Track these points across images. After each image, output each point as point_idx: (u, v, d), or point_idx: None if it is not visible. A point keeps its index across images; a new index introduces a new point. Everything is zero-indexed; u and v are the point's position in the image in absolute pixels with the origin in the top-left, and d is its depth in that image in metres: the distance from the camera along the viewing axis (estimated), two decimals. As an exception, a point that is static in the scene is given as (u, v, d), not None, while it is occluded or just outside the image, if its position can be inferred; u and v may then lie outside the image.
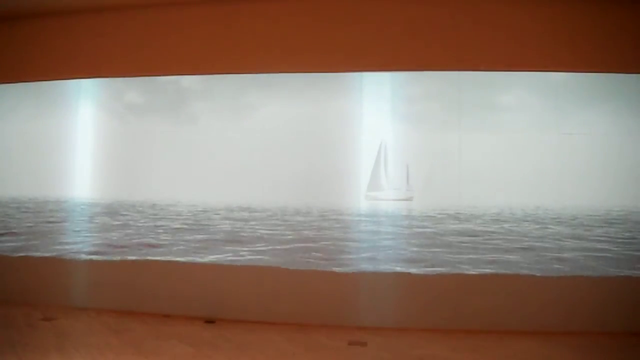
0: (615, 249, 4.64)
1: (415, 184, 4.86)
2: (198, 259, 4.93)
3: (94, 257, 5.18)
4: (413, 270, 4.64)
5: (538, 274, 4.53)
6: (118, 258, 5.10)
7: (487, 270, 4.58)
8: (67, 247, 5.31)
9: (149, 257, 5.04)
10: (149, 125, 5.27)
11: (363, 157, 4.89)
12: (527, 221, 4.80)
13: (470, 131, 4.74)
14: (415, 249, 4.77)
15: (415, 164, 4.86)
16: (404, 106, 4.90)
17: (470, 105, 4.78)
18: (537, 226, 4.76)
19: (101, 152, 5.36)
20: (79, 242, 5.32)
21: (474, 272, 4.57)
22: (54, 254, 5.26)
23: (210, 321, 4.68)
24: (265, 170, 4.97)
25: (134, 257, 5.07)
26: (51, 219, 5.52)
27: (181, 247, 5.06)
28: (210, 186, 5.10)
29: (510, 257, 4.64)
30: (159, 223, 5.26)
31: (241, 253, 4.94)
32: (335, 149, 4.90)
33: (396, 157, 4.88)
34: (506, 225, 4.81)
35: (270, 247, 4.92)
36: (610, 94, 4.69)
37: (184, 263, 4.94)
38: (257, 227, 5.08)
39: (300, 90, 4.98)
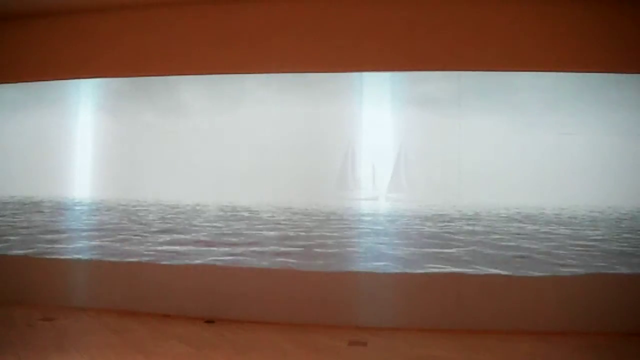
0: (616, 248, 4.63)
1: (416, 184, 4.87)
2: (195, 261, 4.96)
3: (94, 257, 5.19)
4: (409, 269, 4.65)
5: (537, 274, 4.53)
6: (118, 258, 5.10)
7: (487, 271, 4.58)
8: (67, 247, 5.31)
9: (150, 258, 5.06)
10: (143, 123, 5.28)
11: (362, 157, 4.90)
12: (526, 221, 4.81)
13: (470, 130, 4.74)
14: (409, 248, 4.79)
15: (415, 164, 4.86)
16: (402, 107, 4.90)
17: (469, 105, 4.78)
18: (536, 226, 4.76)
19: (101, 152, 5.36)
20: (79, 242, 5.32)
21: (474, 272, 4.57)
22: (53, 254, 5.26)
23: (210, 321, 4.68)
24: (263, 170, 4.97)
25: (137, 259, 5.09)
26: (50, 219, 5.51)
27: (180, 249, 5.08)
28: (205, 185, 5.11)
29: (510, 256, 4.64)
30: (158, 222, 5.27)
31: (237, 253, 4.95)
32: (331, 147, 4.90)
33: (404, 157, 4.88)
34: (505, 225, 4.81)
35: (267, 247, 4.92)
36: (610, 93, 4.69)
37: (183, 263, 4.94)
38: (254, 226, 5.08)
39: (296, 89, 4.99)
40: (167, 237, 5.17)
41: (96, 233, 5.34)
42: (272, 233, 4.97)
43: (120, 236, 5.26)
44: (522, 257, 4.64)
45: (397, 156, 4.82)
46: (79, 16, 5.23)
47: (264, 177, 4.95)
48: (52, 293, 5.14)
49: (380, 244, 4.84)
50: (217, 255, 4.96)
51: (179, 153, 5.17)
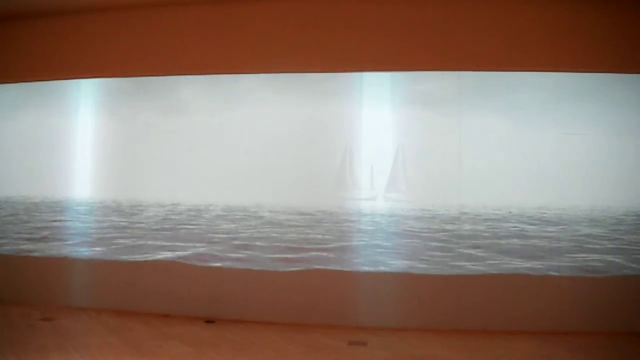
0: (617, 248, 4.63)
1: (417, 184, 4.87)
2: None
3: (94, 257, 5.18)
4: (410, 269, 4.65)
5: (537, 274, 4.52)
6: (118, 258, 5.10)
7: (487, 271, 4.58)
8: (67, 246, 5.31)
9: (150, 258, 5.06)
10: (143, 122, 5.29)
11: (361, 156, 4.90)
12: (526, 221, 4.81)
13: (469, 130, 4.74)
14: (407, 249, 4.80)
15: (414, 164, 4.87)
16: (401, 106, 4.91)
17: (469, 104, 4.78)
18: (537, 226, 4.76)
19: (101, 152, 5.37)
20: (79, 242, 5.32)
21: (473, 273, 4.57)
22: (54, 254, 5.26)
23: (210, 321, 4.68)
24: (262, 170, 4.97)
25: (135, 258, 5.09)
26: (50, 219, 5.52)
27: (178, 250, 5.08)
28: (204, 185, 5.11)
29: (510, 256, 4.64)
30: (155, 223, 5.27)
31: (236, 252, 4.95)
32: (330, 147, 4.90)
33: (409, 158, 4.88)
34: (505, 225, 4.81)
35: (266, 246, 4.93)
36: (611, 93, 4.69)
37: (184, 263, 4.94)
38: (253, 226, 5.09)
39: (295, 88, 5.00)
40: (166, 237, 5.16)
41: (96, 233, 5.34)
42: (271, 233, 4.97)
43: (121, 236, 5.26)
44: (522, 257, 4.64)
45: (396, 156, 4.82)
46: (79, 16, 5.23)
47: (263, 177, 4.95)
48: (52, 293, 5.14)
49: (379, 243, 4.84)
50: (217, 255, 4.96)
51: (178, 152, 5.17)
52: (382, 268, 4.69)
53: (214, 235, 5.08)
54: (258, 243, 4.95)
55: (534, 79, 4.76)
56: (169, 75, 5.15)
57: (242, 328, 4.47)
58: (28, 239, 5.42)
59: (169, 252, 5.05)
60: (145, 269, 5.00)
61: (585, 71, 4.57)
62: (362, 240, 4.89)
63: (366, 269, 4.70)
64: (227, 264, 4.87)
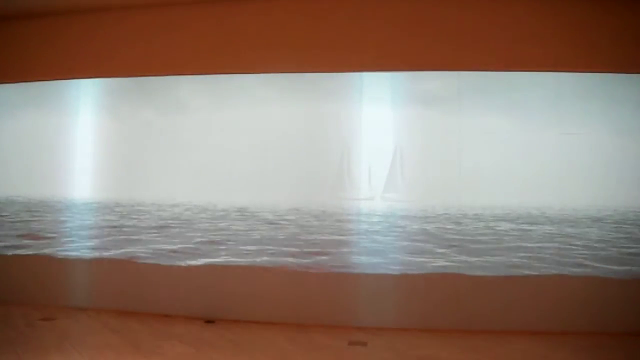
0: (617, 248, 4.63)
1: (416, 184, 4.87)
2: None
3: (94, 256, 5.18)
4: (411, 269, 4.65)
5: (537, 274, 4.52)
6: (118, 258, 5.10)
7: (487, 271, 4.58)
8: (67, 246, 5.31)
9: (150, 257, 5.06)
10: (143, 122, 5.29)
11: (360, 156, 4.90)
12: (527, 221, 4.81)
13: (470, 129, 4.74)
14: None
15: (412, 164, 4.87)
16: (401, 105, 4.91)
17: (469, 103, 4.78)
18: (538, 226, 4.76)
19: (101, 152, 5.37)
20: (79, 242, 5.32)
21: (473, 273, 4.57)
22: (53, 253, 5.25)
23: (210, 321, 4.67)
24: (261, 169, 4.97)
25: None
26: (50, 218, 5.52)
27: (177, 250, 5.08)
28: (204, 185, 5.11)
29: (510, 256, 4.64)
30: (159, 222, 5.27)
31: (236, 252, 4.95)
32: (330, 147, 4.91)
33: (406, 160, 4.88)
34: (505, 225, 4.81)
35: (266, 246, 4.93)
36: (612, 92, 4.69)
37: (183, 263, 4.94)
38: (252, 225, 5.09)
39: (295, 87, 5.00)
40: (166, 236, 5.16)
41: (96, 232, 5.34)
42: (270, 232, 4.97)
43: (121, 236, 5.26)
44: (522, 257, 4.64)
45: (394, 155, 4.83)
46: (79, 16, 5.23)
47: (262, 176, 4.95)
48: (52, 293, 5.14)
49: (378, 243, 4.84)
50: (217, 255, 4.96)
51: (178, 152, 5.17)
52: (381, 268, 4.69)
53: (213, 234, 5.08)
54: (257, 244, 4.95)
55: (535, 78, 4.76)
56: (168, 75, 5.14)
57: (242, 328, 4.47)
58: (28, 239, 5.42)
59: (169, 252, 5.05)
60: (145, 269, 4.99)
61: (586, 71, 4.57)
62: (361, 240, 4.89)
63: (365, 268, 4.70)
64: (227, 263, 4.87)
